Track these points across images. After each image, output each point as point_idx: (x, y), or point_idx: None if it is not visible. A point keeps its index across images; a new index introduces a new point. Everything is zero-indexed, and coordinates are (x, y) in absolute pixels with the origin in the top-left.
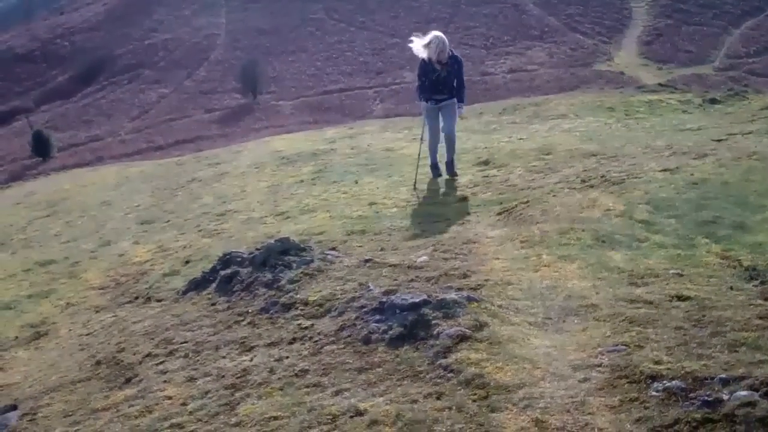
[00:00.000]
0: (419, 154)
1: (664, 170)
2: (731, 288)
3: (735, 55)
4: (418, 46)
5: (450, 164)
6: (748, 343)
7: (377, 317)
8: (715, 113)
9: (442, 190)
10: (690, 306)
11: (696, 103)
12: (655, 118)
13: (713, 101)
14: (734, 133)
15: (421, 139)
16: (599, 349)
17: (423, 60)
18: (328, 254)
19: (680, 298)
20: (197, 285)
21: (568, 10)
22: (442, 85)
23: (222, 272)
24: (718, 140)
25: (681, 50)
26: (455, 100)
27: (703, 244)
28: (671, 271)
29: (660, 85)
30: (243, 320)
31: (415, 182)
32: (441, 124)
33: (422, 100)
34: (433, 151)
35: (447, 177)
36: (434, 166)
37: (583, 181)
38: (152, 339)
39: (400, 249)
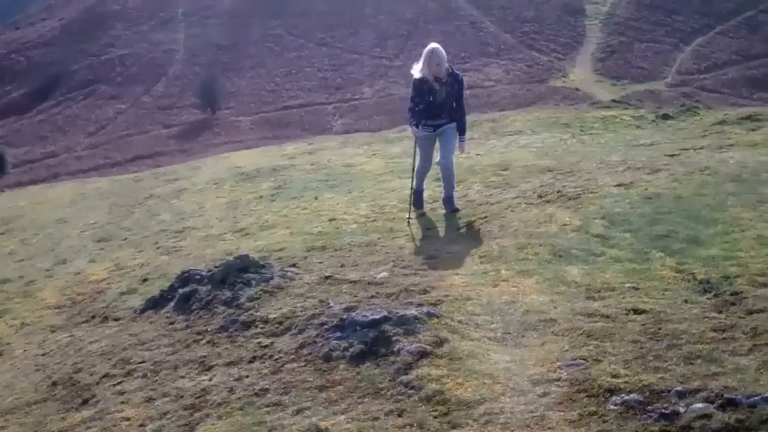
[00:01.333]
0: (412, 187)
1: (619, 185)
2: (686, 301)
3: (686, 72)
4: (417, 68)
5: (449, 200)
6: (703, 355)
7: (338, 334)
8: (667, 129)
9: (401, 206)
10: (646, 319)
11: (649, 119)
12: (610, 133)
13: (666, 117)
14: (687, 148)
15: (413, 170)
16: (558, 363)
17: (417, 80)
18: (288, 271)
19: (636, 311)
20: (155, 303)
21: (523, 28)
22: (439, 108)
23: (180, 290)
24: (671, 155)
25: (634, 67)
26: (454, 125)
27: (658, 258)
28: (627, 285)
29: (614, 101)
30: (202, 339)
31: (409, 216)
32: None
33: (415, 126)
34: (421, 178)
35: (447, 213)
36: (419, 194)
37: (540, 196)
38: (109, 359)
39: (361, 265)
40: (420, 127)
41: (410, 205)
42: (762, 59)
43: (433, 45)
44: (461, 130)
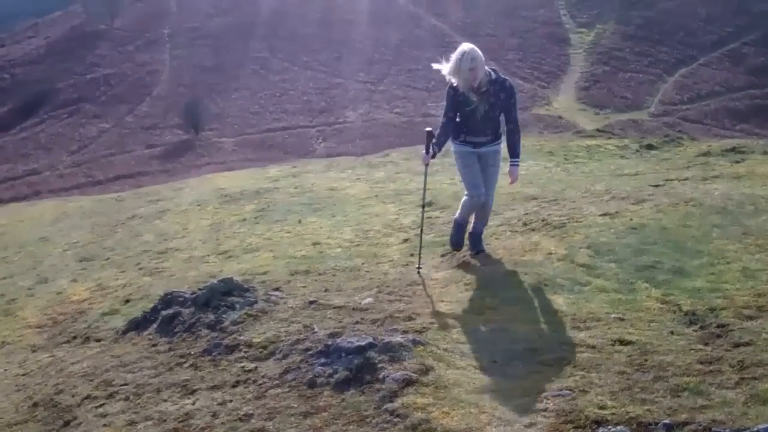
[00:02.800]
0: (421, 228)
1: (604, 215)
2: (672, 332)
3: (669, 102)
4: (446, 68)
5: (477, 238)
6: (690, 388)
7: (322, 360)
8: (651, 159)
9: (385, 231)
10: (632, 350)
11: (633, 149)
12: (594, 162)
13: (650, 147)
14: (671, 179)
15: (423, 206)
16: (544, 393)
17: (450, 87)
18: (272, 295)
19: (622, 342)
20: (137, 325)
21: (507, 56)
22: (482, 123)
23: (163, 312)
24: (656, 186)
25: (617, 96)
26: (500, 146)
27: (644, 289)
28: (613, 316)
29: (598, 130)
30: (185, 362)
31: (419, 262)
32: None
33: (458, 143)
34: (470, 208)
35: (469, 252)
36: (460, 229)
37: (525, 224)
38: (91, 381)
39: (345, 290)
40: (458, 143)
41: (419, 252)
42: (745, 91)
43: (466, 46)
44: (513, 152)
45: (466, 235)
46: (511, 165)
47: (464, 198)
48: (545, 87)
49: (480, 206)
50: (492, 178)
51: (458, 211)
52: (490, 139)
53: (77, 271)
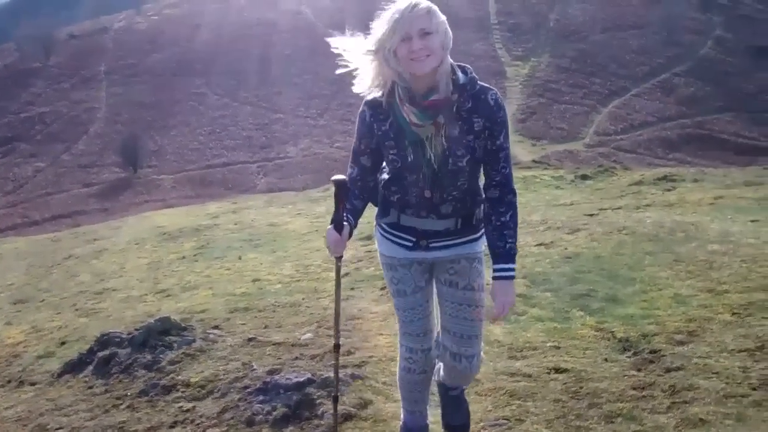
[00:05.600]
0: (336, 380)
1: (540, 244)
2: (606, 360)
3: (604, 133)
4: (362, 45)
5: (456, 405)
6: (623, 414)
7: (261, 398)
8: (586, 189)
9: (326, 265)
10: (567, 378)
11: (568, 179)
12: (530, 193)
13: (584, 177)
14: (605, 208)
15: (335, 347)
16: (481, 423)
17: (367, 104)
18: (210, 333)
19: (558, 370)
20: (73, 367)
21: None
22: (434, 185)
23: (99, 354)
24: (590, 215)
25: (553, 127)
26: (478, 245)
27: (578, 317)
28: (548, 344)
29: (534, 161)
30: (122, 404)
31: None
32: (439, 319)
33: (351, 221)
34: (412, 386)
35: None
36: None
37: None
38: (25, 425)
39: (285, 326)
40: (382, 233)
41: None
42: (676, 120)
43: None
44: (501, 249)
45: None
46: (496, 275)
47: (399, 364)
48: None
49: (427, 373)
50: (461, 316)
51: (402, 404)
52: (453, 225)
53: (11, 314)
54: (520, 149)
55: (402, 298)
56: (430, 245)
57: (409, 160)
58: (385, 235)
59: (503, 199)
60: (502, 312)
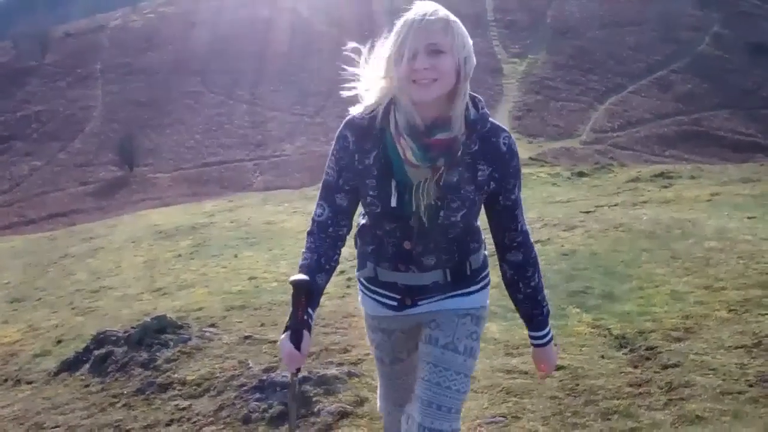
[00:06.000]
0: None
1: (536, 242)
2: (602, 356)
3: (600, 130)
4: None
5: None
6: (620, 411)
7: (257, 396)
8: (582, 186)
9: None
10: (564, 375)
11: (565, 176)
12: (527, 191)
13: (581, 174)
14: (601, 205)
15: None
16: (477, 420)
17: (348, 129)
18: (206, 331)
19: (555, 367)
20: (70, 366)
21: None
22: (423, 238)
23: (96, 352)
24: (587, 212)
25: (550, 125)
26: (477, 299)
27: (575, 314)
28: None
29: (531, 158)
30: (118, 402)
31: None
32: (420, 386)
33: (306, 319)
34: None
35: None
36: None
37: None
38: (22, 424)
39: (281, 324)
40: (363, 289)
41: None
42: (673, 117)
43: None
44: (534, 313)
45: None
46: (537, 342)
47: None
48: None
49: None
50: (434, 380)
51: None
52: (442, 278)
53: (8, 313)
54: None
55: (380, 365)
56: (418, 303)
57: (392, 206)
58: (366, 292)
59: (528, 260)
60: (548, 372)
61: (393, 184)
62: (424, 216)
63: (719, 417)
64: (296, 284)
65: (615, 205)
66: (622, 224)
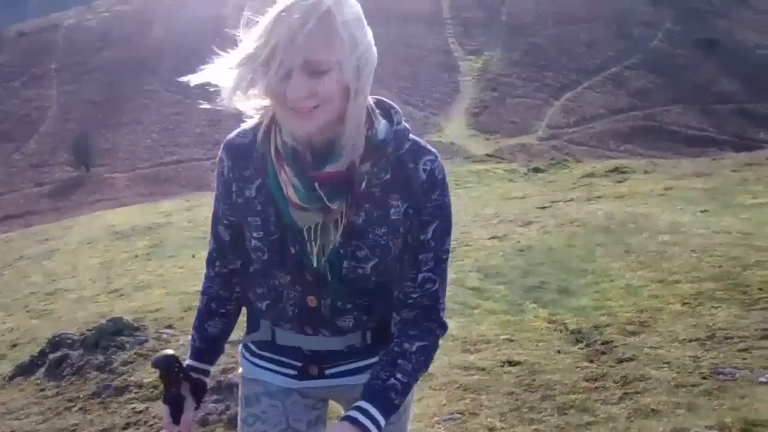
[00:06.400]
0: None
1: (493, 238)
2: (559, 351)
3: (556, 126)
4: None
5: None
6: (576, 405)
7: (215, 397)
8: (538, 182)
9: None
10: (521, 371)
11: (521, 173)
12: (483, 187)
13: (537, 170)
14: (557, 200)
15: None
16: (435, 418)
17: (225, 152)
18: (163, 333)
19: (511, 363)
20: (24, 370)
21: (399, 83)
22: (319, 292)
23: (51, 355)
24: (543, 208)
25: (506, 121)
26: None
27: (531, 309)
28: (502, 337)
29: (487, 155)
30: (74, 406)
31: None
32: None
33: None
34: None
35: None
36: None
37: None
38: None
39: (239, 324)
40: (247, 361)
41: None
42: (627, 113)
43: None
44: (378, 396)
45: None
46: (350, 416)
47: None
48: (436, 114)
49: None
50: None
51: None
52: (360, 341)
53: None
54: (473, 143)
55: None
56: (327, 372)
57: (281, 254)
58: (254, 360)
59: (420, 324)
60: None
61: (281, 224)
62: (324, 270)
63: (674, 410)
64: (155, 366)
65: (570, 201)
66: (577, 219)
